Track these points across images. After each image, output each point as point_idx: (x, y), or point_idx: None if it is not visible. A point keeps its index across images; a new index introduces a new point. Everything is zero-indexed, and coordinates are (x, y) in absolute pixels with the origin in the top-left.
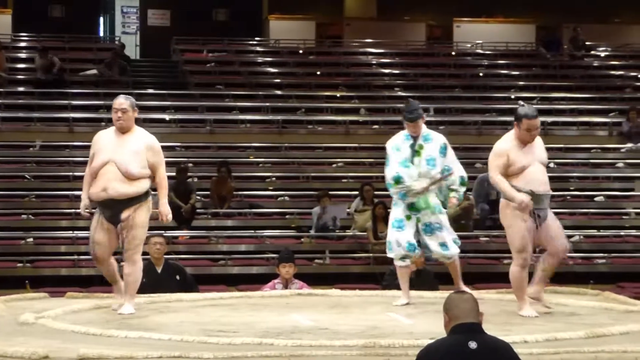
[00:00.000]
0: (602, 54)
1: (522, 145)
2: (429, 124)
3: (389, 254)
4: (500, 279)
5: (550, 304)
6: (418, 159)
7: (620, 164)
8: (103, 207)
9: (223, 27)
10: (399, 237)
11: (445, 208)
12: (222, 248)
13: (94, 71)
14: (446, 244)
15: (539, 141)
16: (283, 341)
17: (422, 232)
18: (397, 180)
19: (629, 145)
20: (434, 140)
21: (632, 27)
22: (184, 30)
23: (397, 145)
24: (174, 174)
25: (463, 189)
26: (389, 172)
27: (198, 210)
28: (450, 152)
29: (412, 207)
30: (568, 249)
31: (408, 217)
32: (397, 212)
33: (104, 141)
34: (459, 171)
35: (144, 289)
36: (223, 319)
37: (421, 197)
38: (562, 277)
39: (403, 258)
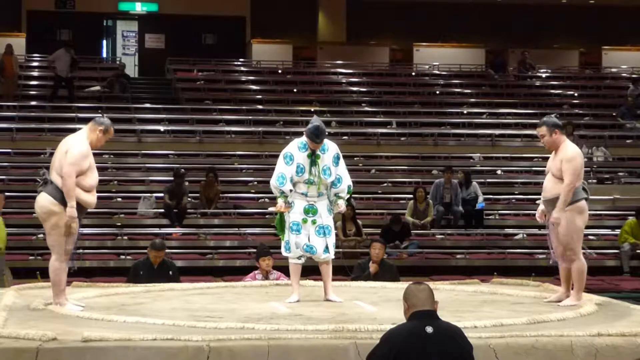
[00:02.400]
0: (543, 75)
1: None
2: (391, 136)
3: (286, 253)
4: (452, 272)
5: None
6: (315, 169)
7: None
8: (83, 214)
9: (211, 49)
10: (297, 240)
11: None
12: (210, 243)
13: (98, 87)
14: (328, 247)
15: (562, 151)
16: (262, 326)
17: (315, 232)
18: (281, 182)
19: None
20: (329, 150)
21: (569, 52)
22: (177, 52)
23: (292, 154)
24: (171, 178)
25: (347, 196)
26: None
27: (189, 210)
28: (342, 161)
29: (308, 210)
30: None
31: (304, 221)
32: (294, 215)
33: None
34: (347, 180)
35: (141, 280)
36: (210, 305)
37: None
38: (507, 271)
39: (299, 257)
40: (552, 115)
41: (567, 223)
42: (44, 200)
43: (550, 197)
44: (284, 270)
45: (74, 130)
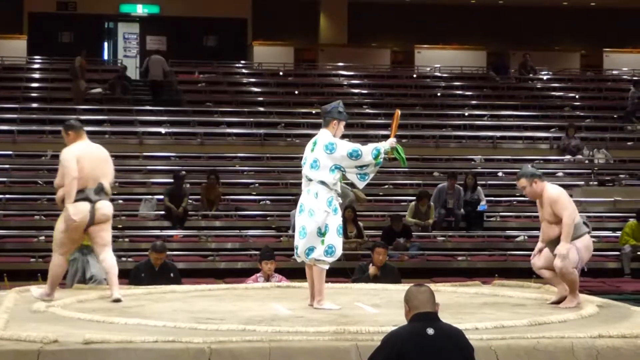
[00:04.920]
0: (545, 77)
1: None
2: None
3: (328, 258)
4: (454, 274)
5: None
6: None
7: (560, 174)
8: None
9: (213, 51)
10: (340, 244)
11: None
12: (211, 245)
13: (99, 90)
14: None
15: (546, 197)
16: (264, 328)
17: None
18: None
19: (568, 157)
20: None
21: (570, 54)
22: (178, 54)
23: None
24: (172, 180)
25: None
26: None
27: (190, 212)
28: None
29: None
30: (538, 265)
31: None
32: (340, 218)
33: None
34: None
35: (142, 282)
36: (211, 308)
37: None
38: (508, 273)
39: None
40: (529, 165)
41: (572, 258)
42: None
43: (550, 238)
44: (286, 273)
45: None
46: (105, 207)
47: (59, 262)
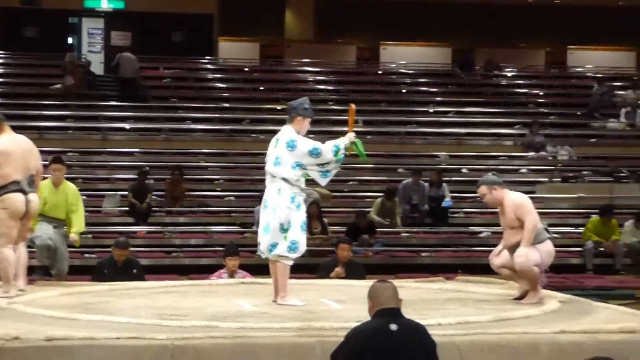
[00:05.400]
0: (509, 74)
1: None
2: (357, 134)
3: (291, 254)
4: (418, 270)
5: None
6: None
7: (524, 170)
8: None
9: (178, 47)
10: (304, 239)
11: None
12: (175, 242)
13: (59, 85)
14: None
15: (508, 204)
16: (228, 324)
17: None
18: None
19: (532, 153)
20: None
21: (534, 52)
22: (144, 50)
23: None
24: (135, 176)
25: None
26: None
27: (154, 208)
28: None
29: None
30: (497, 264)
31: None
32: (303, 214)
33: None
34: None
35: (105, 279)
36: (175, 304)
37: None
38: (473, 269)
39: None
40: (489, 173)
41: (532, 258)
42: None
43: (512, 244)
44: (250, 269)
45: (38, 128)
46: (35, 200)
47: (3, 256)
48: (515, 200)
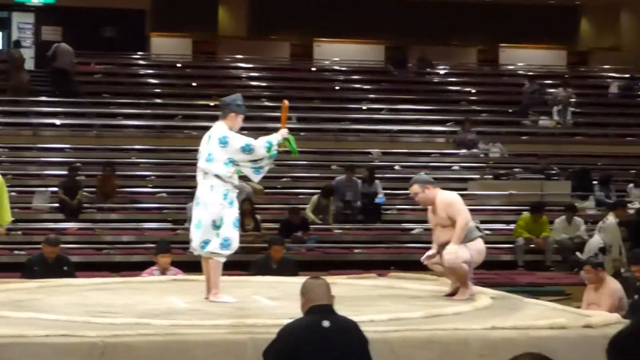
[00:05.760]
0: (442, 72)
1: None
2: (291, 131)
3: (224, 251)
4: (351, 266)
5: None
6: None
7: (456, 167)
8: None
9: (110, 43)
10: (237, 236)
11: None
12: (106, 238)
13: None
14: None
15: (439, 202)
16: (159, 321)
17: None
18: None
19: (464, 151)
20: None
21: (466, 49)
22: (75, 45)
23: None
24: (65, 172)
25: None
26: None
27: (85, 205)
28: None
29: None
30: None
31: None
32: (237, 210)
33: None
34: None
35: (35, 276)
36: (106, 301)
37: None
38: (405, 265)
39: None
40: (421, 172)
41: (461, 255)
42: None
43: (443, 242)
44: (182, 266)
45: None
46: None
47: None
48: (446, 199)
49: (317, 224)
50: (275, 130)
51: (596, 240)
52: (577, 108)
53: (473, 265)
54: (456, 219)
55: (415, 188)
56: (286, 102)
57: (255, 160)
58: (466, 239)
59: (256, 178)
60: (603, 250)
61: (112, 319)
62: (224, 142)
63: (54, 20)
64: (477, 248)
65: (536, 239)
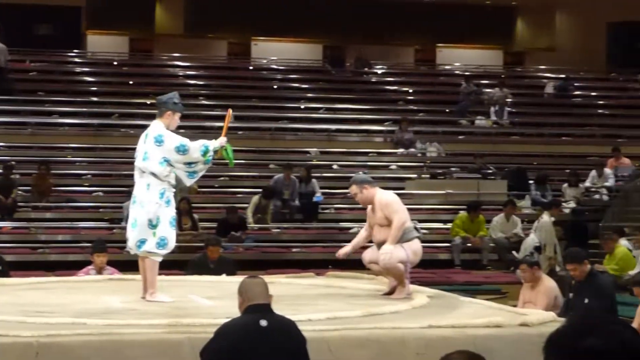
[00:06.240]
0: (379, 72)
1: None
2: (229, 129)
3: (160, 250)
4: (289, 265)
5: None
6: None
7: (393, 166)
8: None
9: (45, 40)
10: (173, 235)
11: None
12: (41, 237)
13: None
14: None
15: (377, 202)
16: (95, 321)
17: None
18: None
19: (401, 150)
20: None
21: (404, 49)
22: (9, 43)
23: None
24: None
25: None
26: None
27: (19, 203)
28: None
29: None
30: (367, 259)
31: None
32: (173, 209)
33: None
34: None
35: None
36: (41, 301)
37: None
38: (343, 264)
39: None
40: (360, 172)
41: (396, 255)
42: None
43: (380, 241)
44: (119, 265)
45: None
46: None
47: None
48: (383, 200)
49: (255, 222)
50: (213, 129)
51: (532, 239)
52: (513, 108)
53: (409, 265)
54: (392, 219)
55: (353, 189)
56: (230, 111)
57: (189, 163)
58: (403, 239)
59: (189, 182)
60: (538, 249)
61: (47, 319)
62: (159, 141)
63: None
64: (414, 248)
65: (473, 238)
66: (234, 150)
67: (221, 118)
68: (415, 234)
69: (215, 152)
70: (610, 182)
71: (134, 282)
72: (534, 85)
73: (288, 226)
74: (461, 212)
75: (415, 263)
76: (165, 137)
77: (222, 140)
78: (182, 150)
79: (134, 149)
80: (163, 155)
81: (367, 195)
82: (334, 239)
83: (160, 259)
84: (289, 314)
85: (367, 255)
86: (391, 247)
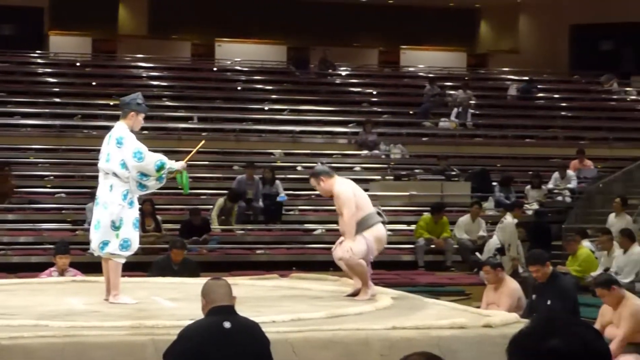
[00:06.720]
0: (344, 73)
1: None
2: (192, 131)
3: (123, 252)
4: (253, 267)
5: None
6: None
7: (357, 168)
8: None
9: (6, 40)
10: (136, 237)
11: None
12: (3, 239)
13: None
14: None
15: (334, 193)
16: (58, 323)
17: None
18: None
19: (365, 152)
20: None
21: (368, 51)
22: None
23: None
24: None
25: None
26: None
27: None
28: None
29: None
30: (337, 256)
31: None
32: (136, 211)
33: None
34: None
35: None
36: (3, 303)
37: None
38: (307, 266)
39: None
40: (319, 163)
41: (356, 251)
42: None
43: (341, 231)
44: (81, 267)
45: None
46: None
47: None
48: (335, 191)
49: (219, 223)
50: (177, 130)
51: (494, 241)
52: (476, 110)
53: (373, 254)
54: (342, 212)
55: (312, 181)
56: (203, 142)
57: (143, 175)
58: (364, 226)
59: (136, 193)
60: (501, 250)
61: (8, 321)
62: (120, 143)
63: None
64: (376, 235)
65: (436, 239)
66: (200, 152)
67: (185, 119)
68: (377, 219)
69: (171, 172)
70: (573, 184)
71: (97, 283)
72: (497, 87)
73: (252, 228)
74: (425, 213)
75: (379, 251)
76: (125, 140)
77: (181, 164)
78: (138, 157)
79: (97, 150)
80: (122, 158)
81: (324, 187)
82: (298, 241)
83: (123, 260)
84: (253, 316)
85: (337, 253)
86: (350, 242)
